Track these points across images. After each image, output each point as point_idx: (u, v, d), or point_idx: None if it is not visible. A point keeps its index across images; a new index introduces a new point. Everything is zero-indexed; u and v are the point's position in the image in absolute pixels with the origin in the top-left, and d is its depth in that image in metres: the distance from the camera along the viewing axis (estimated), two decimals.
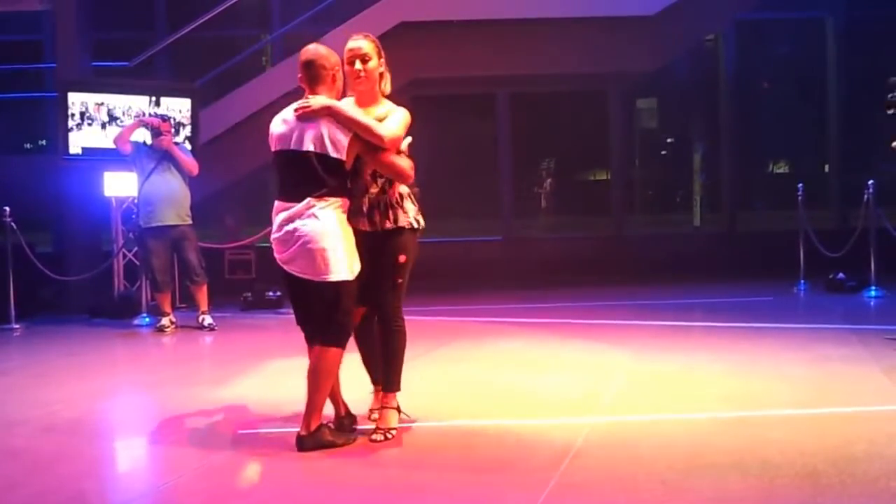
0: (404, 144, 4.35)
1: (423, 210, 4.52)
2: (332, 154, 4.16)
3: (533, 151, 13.32)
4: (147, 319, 8.50)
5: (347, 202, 4.26)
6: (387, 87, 4.44)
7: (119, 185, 8.78)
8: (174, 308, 8.43)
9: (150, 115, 8.65)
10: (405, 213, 4.38)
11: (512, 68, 10.54)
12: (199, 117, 9.24)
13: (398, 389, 4.46)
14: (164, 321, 8.08)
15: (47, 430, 4.79)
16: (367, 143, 4.20)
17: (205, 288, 8.14)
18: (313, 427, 4.21)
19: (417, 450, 4.31)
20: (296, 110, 4.22)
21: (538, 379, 5.73)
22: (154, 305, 8.40)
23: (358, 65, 4.29)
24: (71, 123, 8.75)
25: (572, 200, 14.11)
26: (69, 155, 8.83)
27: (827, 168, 13.02)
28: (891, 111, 5.76)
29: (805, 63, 12.66)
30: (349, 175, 4.25)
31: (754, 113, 12.94)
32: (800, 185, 9.69)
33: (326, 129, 4.17)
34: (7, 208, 8.42)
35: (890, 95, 5.78)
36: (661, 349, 6.55)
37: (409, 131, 4.39)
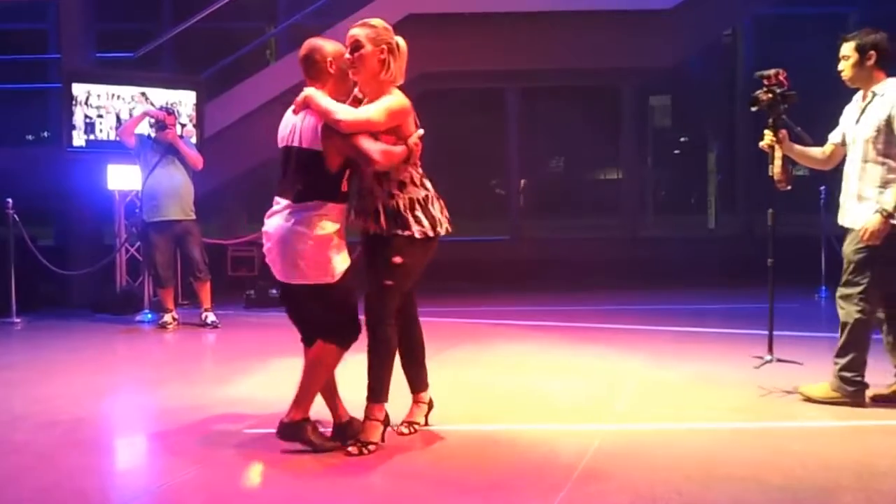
0: (414, 137, 4.15)
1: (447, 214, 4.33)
2: (306, 145, 4.02)
3: (542, 149, 13.19)
4: (149, 316, 8.41)
5: (337, 207, 4.07)
6: (397, 76, 4.19)
7: (122, 178, 8.70)
8: (177, 304, 8.34)
9: (155, 107, 8.55)
10: (403, 221, 4.13)
11: (522, 63, 10.39)
12: (204, 110, 9.13)
13: (382, 401, 4.22)
14: (167, 318, 7.98)
15: (48, 426, 4.74)
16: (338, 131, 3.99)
17: (208, 285, 8.03)
18: (297, 417, 4.11)
19: (426, 455, 4.20)
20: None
21: (548, 384, 5.61)
22: (157, 301, 8.32)
23: (347, 54, 4.13)
24: (85, 115, 8.67)
25: (582, 200, 13.98)
26: (72, 147, 8.77)
27: None
28: (754, 109, 5.53)
29: (827, 60, 12.46)
30: (338, 176, 4.05)
31: None
32: (822, 188, 9.46)
33: (303, 120, 4.07)
34: (9, 200, 8.32)
35: (756, 92, 5.54)
36: (674, 355, 6.44)
37: (420, 124, 4.23)
